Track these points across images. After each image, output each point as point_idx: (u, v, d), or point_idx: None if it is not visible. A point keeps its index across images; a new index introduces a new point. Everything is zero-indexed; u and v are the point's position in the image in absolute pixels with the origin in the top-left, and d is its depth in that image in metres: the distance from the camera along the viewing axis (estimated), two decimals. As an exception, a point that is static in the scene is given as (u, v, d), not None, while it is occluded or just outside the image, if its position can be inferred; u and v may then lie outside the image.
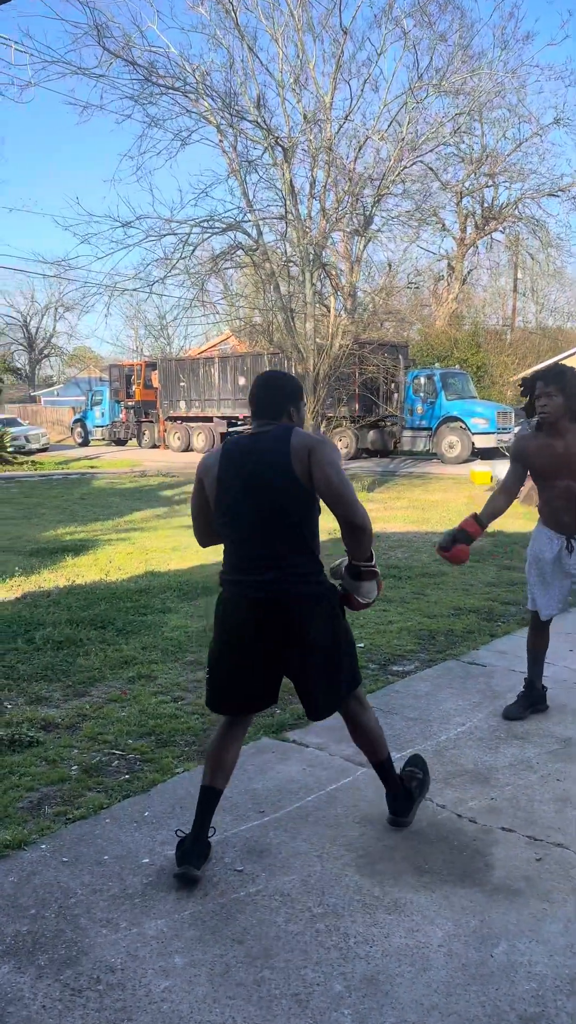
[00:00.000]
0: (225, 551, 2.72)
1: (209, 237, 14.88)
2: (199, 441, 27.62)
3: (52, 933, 2.34)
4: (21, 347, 59.77)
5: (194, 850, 2.62)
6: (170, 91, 11.61)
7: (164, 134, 13.01)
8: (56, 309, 57.87)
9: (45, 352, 61.20)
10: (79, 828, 2.93)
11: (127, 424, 31.89)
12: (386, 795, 2.95)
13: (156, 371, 29.38)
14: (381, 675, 4.77)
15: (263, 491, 2.58)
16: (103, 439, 33.20)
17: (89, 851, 2.77)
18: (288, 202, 13.12)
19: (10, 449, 22.59)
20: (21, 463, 22.11)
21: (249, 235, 14.51)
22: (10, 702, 4.28)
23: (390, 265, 21.36)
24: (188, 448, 27.97)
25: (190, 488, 2.93)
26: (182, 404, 28.13)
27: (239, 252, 15.32)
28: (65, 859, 2.72)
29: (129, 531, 10.71)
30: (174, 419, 28.49)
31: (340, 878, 2.62)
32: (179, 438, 28.31)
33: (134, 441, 31.67)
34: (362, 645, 5.31)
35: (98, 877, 2.62)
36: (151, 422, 30.51)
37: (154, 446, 30.20)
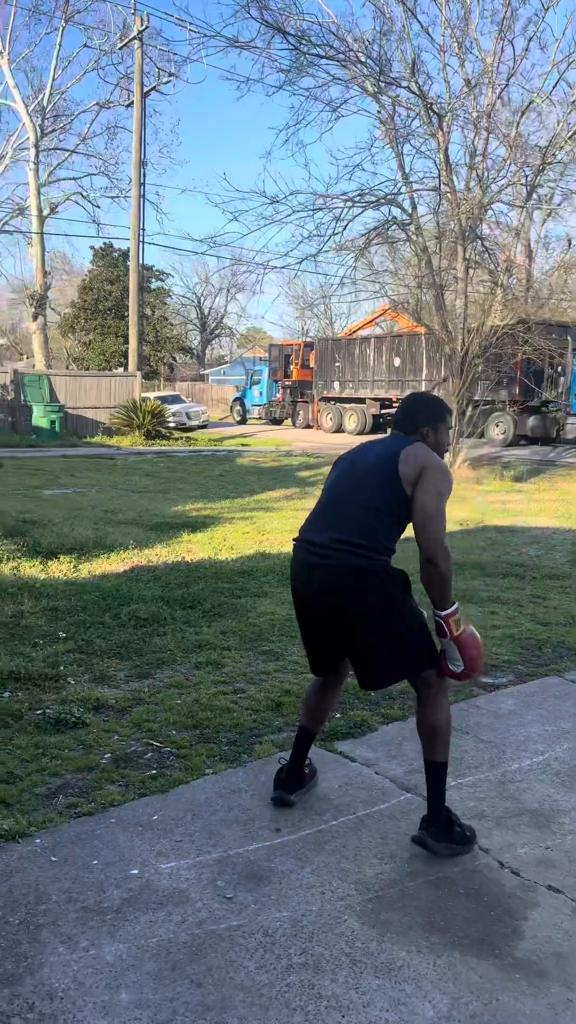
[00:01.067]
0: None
1: (362, 212, 14.46)
2: (351, 422, 27.32)
3: (8, 943, 2.18)
4: (194, 327, 61.83)
5: (289, 779, 2.95)
6: (323, 60, 11.25)
7: (316, 105, 12.60)
8: (228, 290, 59.35)
9: (216, 332, 62.96)
10: (81, 825, 2.76)
11: (283, 404, 32.12)
12: (425, 812, 2.71)
13: (313, 351, 29.33)
14: (468, 685, 4.32)
15: (360, 470, 2.78)
16: (260, 418, 33.66)
17: (81, 853, 2.60)
18: (443, 172, 12.45)
19: (170, 424, 23.27)
20: (177, 439, 22.75)
21: (403, 209, 13.96)
22: (75, 678, 4.22)
23: (570, 241, 19.96)
24: (340, 429, 27.75)
25: (326, 470, 3.14)
26: (336, 384, 27.92)
27: (393, 227, 14.77)
28: (54, 858, 2.57)
29: (255, 511, 10.62)
30: (327, 400, 28.33)
31: (336, 923, 2.30)
32: (331, 419, 28.14)
33: (289, 421, 31.86)
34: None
35: (79, 884, 2.44)
36: (306, 402, 30.54)
37: (307, 426, 30.23)
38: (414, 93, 11.60)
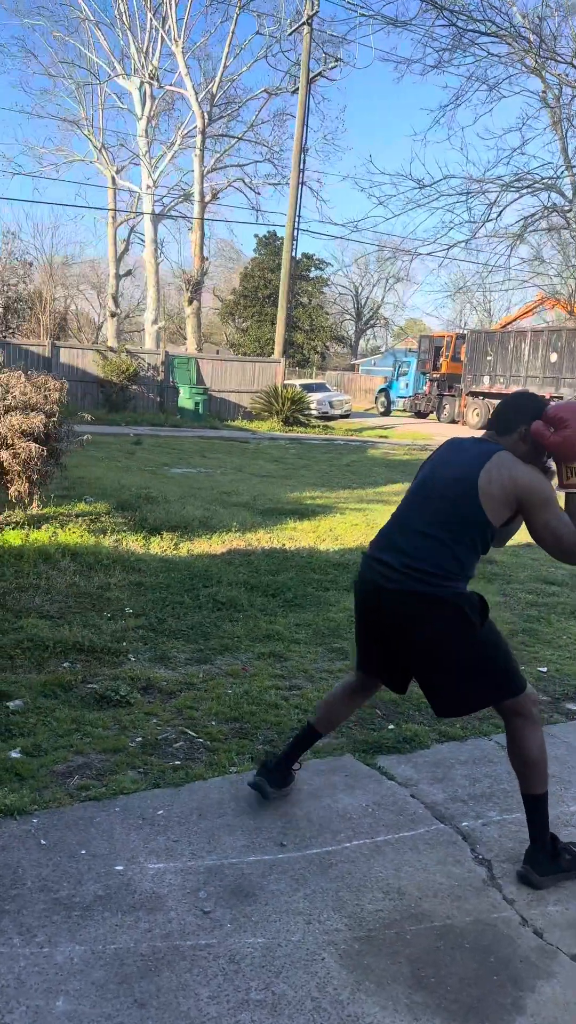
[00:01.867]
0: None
1: (519, 197, 13.74)
2: (499, 420, 26.28)
3: (-34, 924, 2.10)
4: (350, 317, 61.68)
5: (275, 771, 2.77)
6: (483, 36, 10.66)
7: (473, 84, 11.99)
8: (387, 280, 58.76)
9: (372, 323, 62.53)
10: (84, 810, 2.67)
11: (429, 397, 31.39)
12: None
13: (465, 344, 28.45)
14: (549, 710, 3.92)
15: (440, 483, 2.51)
16: (405, 410, 33.08)
17: (73, 839, 2.50)
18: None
19: (311, 412, 23.26)
20: (315, 426, 22.71)
21: (564, 195, 13.12)
22: (136, 655, 4.17)
23: None
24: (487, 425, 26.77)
25: None
26: (486, 379, 26.93)
27: (554, 215, 13.95)
28: (44, 842, 2.48)
29: (371, 502, 10.34)
30: (475, 394, 27.39)
31: (313, 960, 2.06)
32: (478, 414, 27.17)
33: (434, 415, 31.10)
34: (544, 670, 4.45)
35: (58, 872, 2.33)
36: (453, 396, 29.69)
37: (453, 421, 29.39)
38: (568, 62, 10.77)
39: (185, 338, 48.62)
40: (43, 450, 6.99)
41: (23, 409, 7.05)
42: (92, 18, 25.99)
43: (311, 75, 22.49)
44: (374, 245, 57.86)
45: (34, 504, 7.07)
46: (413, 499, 2.59)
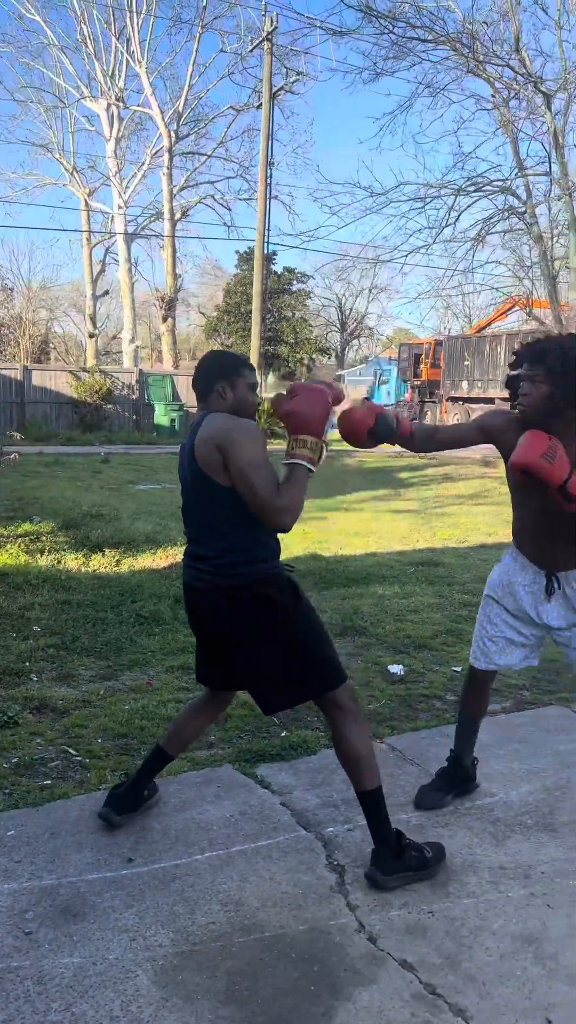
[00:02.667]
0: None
1: (474, 202, 13.79)
2: (479, 424, 26.30)
3: None
4: (335, 329, 61.89)
5: (124, 797, 2.67)
6: (420, 43, 10.71)
7: (420, 90, 12.04)
8: (370, 291, 58.99)
9: (356, 333, 62.74)
10: None
11: (411, 404, 31.41)
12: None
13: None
14: (452, 709, 3.87)
15: (183, 475, 2.48)
16: (388, 418, 33.09)
17: None
18: (554, 155, 11.60)
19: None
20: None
21: (518, 197, 13.18)
22: (39, 675, 4.12)
23: None
24: (467, 431, 26.78)
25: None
26: (464, 384, 26.98)
27: (510, 217, 13.98)
28: None
29: (334, 511, 10.31)
30: (455, 400, 27.43)
31: (125, 978, 2.00)
32: (458, 419, 27.19)
33: (418, 422, 31.14)
34: (459, 669, 4.40)
35: None
36: (434, 402, 29.72)
37: (435, 427, 29.40)
38: (514, 71, 10.84)
39: (173, 356, 48.86)
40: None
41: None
42: (57, 43, 26.20)
43: (274, 90, 22.64)
44: (339, 255, 58.04)
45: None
46: (183, 494, 2.53)
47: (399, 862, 2.40)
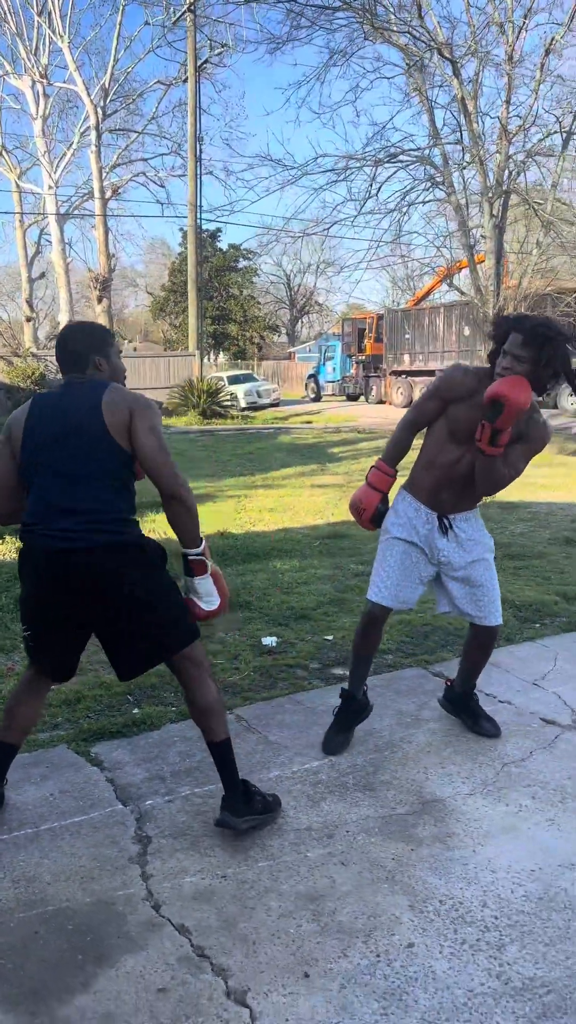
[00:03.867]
0: (28, 501, 2.47)
1: (394, 172, 13.77)
2: (422, 396, 26.42)
3: None
4: (284, 305, 61.56)
5: None
6: (321, 10, 10.57)
7: (332, 59, 11.91)
8: (318, 266, 58.71)
9: (306, 310, 62.49)
10: None
11: (356, 379, 31.45)
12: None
13: (385, 324, 28.54)
14: (312, 676, 3.90)
15: (70, 441, 2.40)
16: (334, 394, 33.12)
17: None
18: (464, 122, 11.59)
19: (231, 404, 23.12)
20: (234, 417, 22.60)
21: (435, 166, 13.17)
22: None
23: None
24: (410, 403, 26.87)
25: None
26: (406, 357, 27.06)
27: (427, 186, 13.98)
28: None
29: (256, 488, 10.31)
30: (397, 373, 27.51)
31: None
32: (401, 393, 27.30)
33: (364, 397, 31.19)
34: (330, 638, 4.44)
35: None
36: (379, 377, 29.78)
37: (380, 402, 29.48)
38: (414, 36, 10.76)
39: (125, 337, 48.16)
40: None
41: None
42: (-25, 19, 25.41)
43: (199, 63, 22.29)
44: (263, 228, 57.26)
45: None
46: (48, 465, 2.46)
47: (248, 807, 2.51)
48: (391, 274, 46.59)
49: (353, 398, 31.83)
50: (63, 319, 26.81)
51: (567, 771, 2.94)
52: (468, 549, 3.00)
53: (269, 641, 4.39)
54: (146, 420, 2.41)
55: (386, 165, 13.04)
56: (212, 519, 7.92)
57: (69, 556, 2.36)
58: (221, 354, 52.57)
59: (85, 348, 2.54)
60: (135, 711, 3.50)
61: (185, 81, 23.98)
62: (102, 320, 25.84)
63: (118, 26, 24.54)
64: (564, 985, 1.92)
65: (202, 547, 2.53)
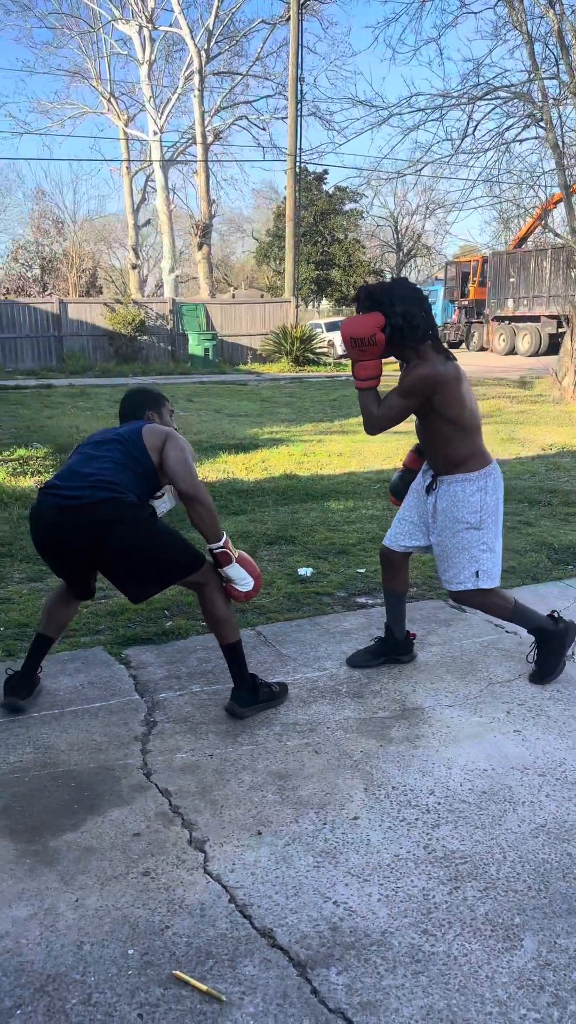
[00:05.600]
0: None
1: (492, 110, 13.38)
2: (524, 343, 25.71)
3: None
4: (391, 249, 60.28)
5: (21, 684, 3.03)
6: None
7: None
8: (426, 207, 56.99)
9: (413, 252, 60.99)
10: None
11: (458, 325, 30.77)
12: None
13: (489, 267, 27.73)
14: (338, 605, 4.19)
15: (107, 444, 2.90)
16: (435, 341, 32.50)
17: None
18: (563, 58, 11.11)
19: (321, 351, 23.19)
20: (326, 364, 22.67)
21: (534, 102, 12.71)
22: (-20, 577, 4.60)
23: None
24: (513, 351, 26.21)
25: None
26: (509, 302, 26.31)
27: (527, 123, 13.52)
28: None
29: (333, 434, 10.52)
30: (501, 319, 26.79)
31: None
32: (503, 340, 26.64)
33: (465, 344, 30.53)
34: (362, 571, 4.70)
35: None
36: (481, 323, 29.06)
37: (482, 349, 28.84)
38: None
39: (231, 284, 48.53)
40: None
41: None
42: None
43: (301, 0, 21.90)
44: (359, 169, 55.63)
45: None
46: (82, 453, 2.98)
47: (253, 697, 2.96)
48: (501, 213, 44.72)
49: (454, 345, 31.19)
50: (166, 266, 27.38)
51: (548, 692, 3.14)
52: (438, 521, 3.13)
53: (304, 572, 4.70)
54: (176, 445, 2.85)
55: (481, 102, 12.66)
56: (281, 461, 8.23)
57: (76, 511, 2.75)
58: (324, 300, 52.15)
59: (140, 404, 3.11)
60: (168, 623, 3.89)
61: (289, 20, 23.61)
62: (201, 267, 26.24)
63: (222, -35, 24.27)
64: (480, 859, 2.19)
65: (223, 540, 2.86)
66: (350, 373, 14.89)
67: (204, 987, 1.76)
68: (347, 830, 2.31)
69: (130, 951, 1.87)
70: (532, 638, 3.34)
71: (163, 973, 1.81)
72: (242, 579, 2.92)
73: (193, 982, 1.77)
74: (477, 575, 3.08)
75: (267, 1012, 1.70)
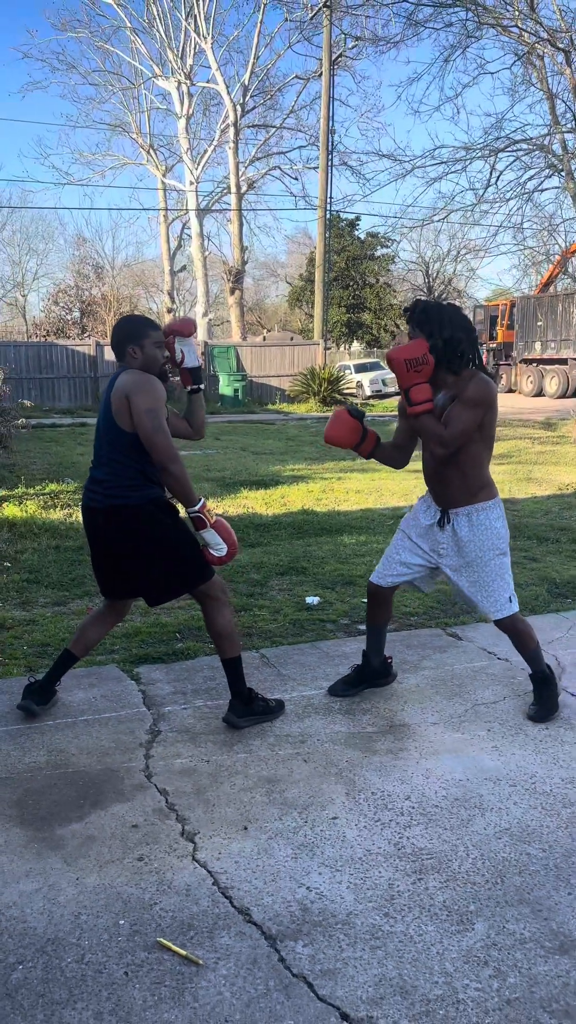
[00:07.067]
0: None
1: (514, 160, 13.81)
2: (552, 385, 25.89)
3: None
4: (422, 293, 61.06)
5: (40, 691, 3.25)
6: (437, 7, 10.80)
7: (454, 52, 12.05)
8: (458, 251, 57.83)
9: (444, 296, 61.70)
10: None
11: (486, 367, 31.02)
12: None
13: (517, 311, 28.07)
14: (340, 631, 4.42)
15: (101, 423, 3.03)
16: (464, 383, 32.81)
17: None
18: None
19: (348, 392, 23.58)
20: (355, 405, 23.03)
21: (554, 153, 13.13)
22: (4, 601, 4.91)
23: None
24: (540, 393, 26.40)
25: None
26: (537, 345, 26.57)
27: (548, 173, 13.93)
28: None
29: (353, 472, 10.78)
30: (528, 361, 27.05)
31: (-49, 789, 2.72)
32: (531, 381, 26.85)
33: (493, 385, 30.75)
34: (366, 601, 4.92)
35: None
36: (509, 365, 29.33)
37: (510, 390, 29.03)
38: (523, 30, 10.80)
39: (266, 327, 49.63)
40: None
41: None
42: (128, 24, 27.00)
43: (334, 57, 22.76)
44: (379, 216, 56.36)
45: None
46: (96, 435, 3.12)
47: (248, 709, 3.18)
48: (527, 259, 45.22)
49: (483, 387, 31.43)
50: (199, 310, 28.15)
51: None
52: (463, 552, 3.19)
53: (312, 600, 4.94)
54: (140, 403, 2.81)
55: (503, 154, 13.10)
56: (300, 497, 8.51)
57: (93, 513, 3.06)
58: (355, 342, 52.88)
59: (121, 339, 2.99)
60: (179, 644, 4.15)
61: (321, 76, 24.51)
62: (233, 311, 26.94)
63: (259, 24, 25.37)
64: (445, 855, 2.39)
65: (199, 505, 2.99)
66: (379, 412, 15.04)
67: (184, 952, 1.98)
68: (325, 827, 2.53)
69: (121, 921, 2.10)
70: (523, 664, 3.51)
71: (149, 940, 2.04)
72: (216, 544, 3.04)
73: (174, 948, 2.00)
74: (510, 600, 3.23)
75: (238, 975, 1.92)
